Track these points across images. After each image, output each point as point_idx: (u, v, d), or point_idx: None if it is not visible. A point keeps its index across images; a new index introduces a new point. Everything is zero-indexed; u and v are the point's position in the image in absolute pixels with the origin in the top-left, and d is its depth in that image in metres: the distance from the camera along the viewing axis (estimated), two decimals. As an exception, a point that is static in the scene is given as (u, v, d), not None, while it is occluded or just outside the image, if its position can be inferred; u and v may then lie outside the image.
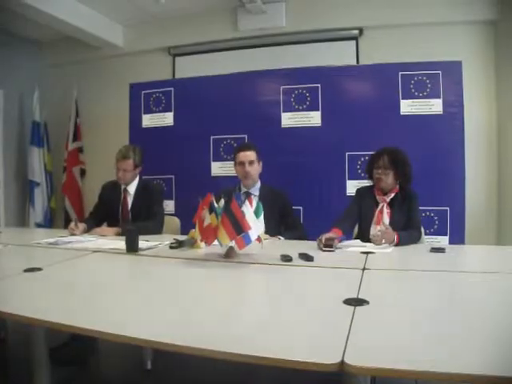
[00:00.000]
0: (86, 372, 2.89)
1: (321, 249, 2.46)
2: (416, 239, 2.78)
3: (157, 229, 3.25)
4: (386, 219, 2.84)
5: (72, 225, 3.17)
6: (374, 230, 2.79)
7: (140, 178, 3.52)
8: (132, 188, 3.44)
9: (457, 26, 4.50)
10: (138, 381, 2.78)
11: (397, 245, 2.57)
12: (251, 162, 3.22)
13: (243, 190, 3.27)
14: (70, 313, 1.37)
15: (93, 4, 4.96)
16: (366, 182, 3.18)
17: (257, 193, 3.24)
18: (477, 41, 4.51)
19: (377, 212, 2.91)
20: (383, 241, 2.54)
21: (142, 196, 3.42)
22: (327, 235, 2.51)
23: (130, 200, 3.42)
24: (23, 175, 5.73)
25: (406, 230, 2.76)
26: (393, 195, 2.91)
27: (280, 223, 3.21)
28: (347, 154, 4.15)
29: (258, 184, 3.32)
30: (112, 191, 3.48)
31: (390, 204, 2.91)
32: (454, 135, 3.95)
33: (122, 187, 3.44)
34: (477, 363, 0.96)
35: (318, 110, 4.25)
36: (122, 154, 3.38)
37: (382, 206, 2.90)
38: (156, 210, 3.37)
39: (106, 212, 3.46)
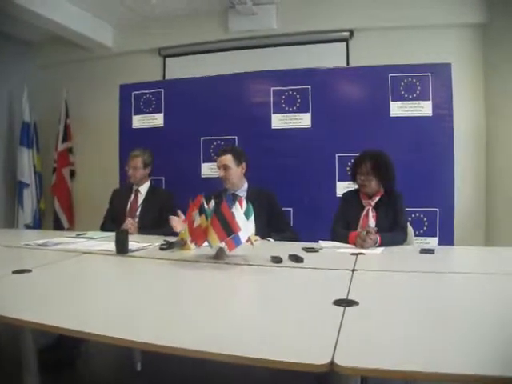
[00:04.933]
0: (75, 374, 2.87)
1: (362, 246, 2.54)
2: (401, 240, 2.78)
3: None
4: (372, 223, 2.84)
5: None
6: None
7: (151, 183, 3.70)
8: (144, 189, 3.61)
9: (446, 28, 4.53)
10: (128, 383, 2.77)
11: (379, 246, 2.59)
12: (225, 167, 3.20)
13: (229, 192, 3.23)
14: (60, 314, 1.35)
15: (83, 4, 4.93)
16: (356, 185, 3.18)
17: (244, 194, 3.17)
18: (466, 43, 4.55)
19: (362, 216, 2.92)
20: (365, 244, 2.55)
21: (151, 199, 3.56)
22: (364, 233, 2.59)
23: (140, 198, 3.57)
24: (12, 176, 5.68)
25: (392, 231, 2.78)
26: (378, 198, 2.91)
27: (268, 224, 3.12)
28: (337, 155, 4.16)
29: (245, 186, 3.29)
30: (124, 192, 3.66)
31: (376, 207, 2.91)
32: (443, 137, 3.97)
33: (134, 188, 3.60)
34: (466, 363, 0.97)
35: (308, 111, 4.26)
36: (132, 153, 3.64)
37: (368, 210, 2.91)
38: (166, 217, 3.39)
39: (117, 212, 3.55)
